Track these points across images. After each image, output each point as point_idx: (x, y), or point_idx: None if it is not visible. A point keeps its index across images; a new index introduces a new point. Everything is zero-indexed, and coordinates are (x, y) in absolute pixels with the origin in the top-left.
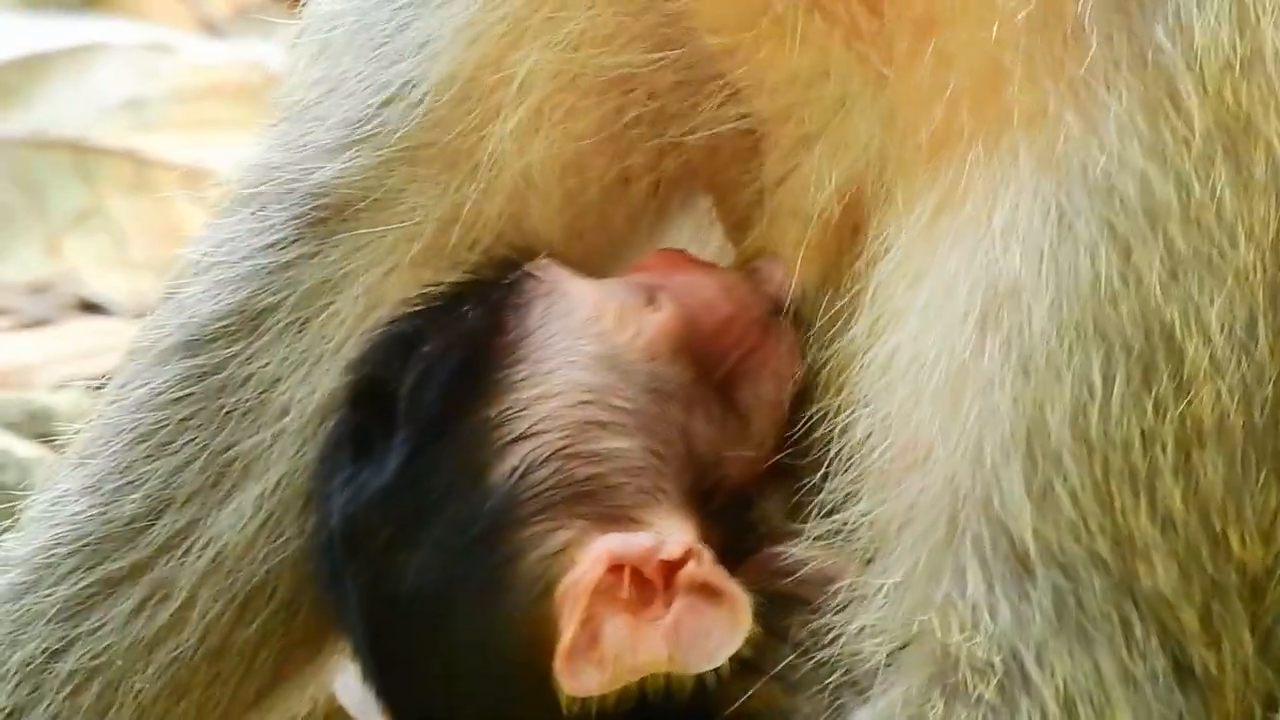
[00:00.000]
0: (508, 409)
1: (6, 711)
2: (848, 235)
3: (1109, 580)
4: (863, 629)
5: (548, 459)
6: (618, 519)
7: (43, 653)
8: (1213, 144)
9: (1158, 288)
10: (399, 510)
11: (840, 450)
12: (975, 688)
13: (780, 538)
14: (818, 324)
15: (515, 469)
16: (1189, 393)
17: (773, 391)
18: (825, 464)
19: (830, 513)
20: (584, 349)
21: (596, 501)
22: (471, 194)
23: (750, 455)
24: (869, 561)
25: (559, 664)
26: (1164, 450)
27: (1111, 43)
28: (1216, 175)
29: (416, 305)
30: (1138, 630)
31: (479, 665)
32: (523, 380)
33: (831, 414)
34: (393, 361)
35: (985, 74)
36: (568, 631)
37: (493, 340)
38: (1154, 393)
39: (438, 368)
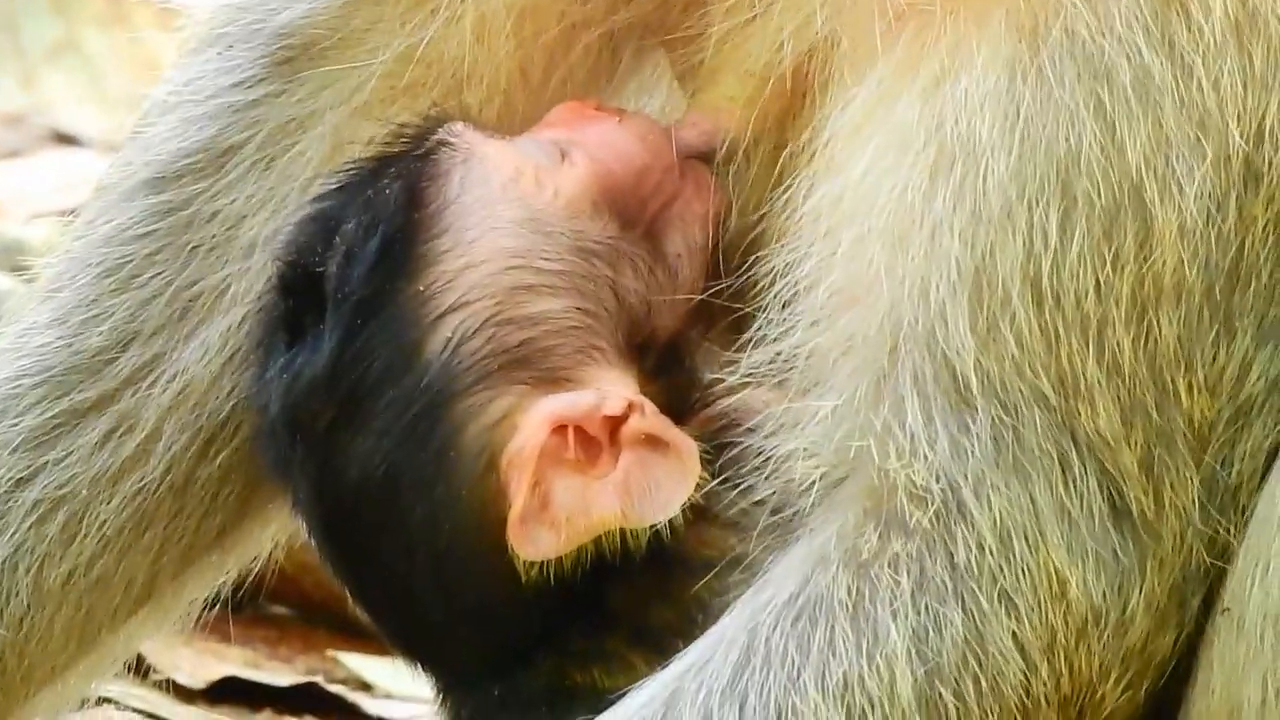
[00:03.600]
0: (434, 282)
1: None
2: (798, 90)
3: (1050, 418)
4: (798, 453)
5: (479, 328)
6: (556, 381)
7: (8, 481)
8: (1225, 35)
9: (1139, 159)
10: (337, 395)
11: (780, 291)
12: (912, 516)
13: (720, 385)
14: (758, 175)
15: (448, 341)
16: (1151, 254)
17: (697, 235)
18: (765, 308)
19: (768, 350)
20: (505, 214)
21: (533, 365)
22: (431, 33)
23: (681, 301)
24: (805, 392)
25: (512, 531)
26: (1117, 303)
27: None
28: (1222, 64)
29: (335, 183)
30: (1076, 468)
31: (433, 544)
32: (447, 252)
33: (771, 259)
34: (316, 244)
35: None
36: (518, 498)
37: (413, 214)
38: (1114, 249)
39: (361, 247)
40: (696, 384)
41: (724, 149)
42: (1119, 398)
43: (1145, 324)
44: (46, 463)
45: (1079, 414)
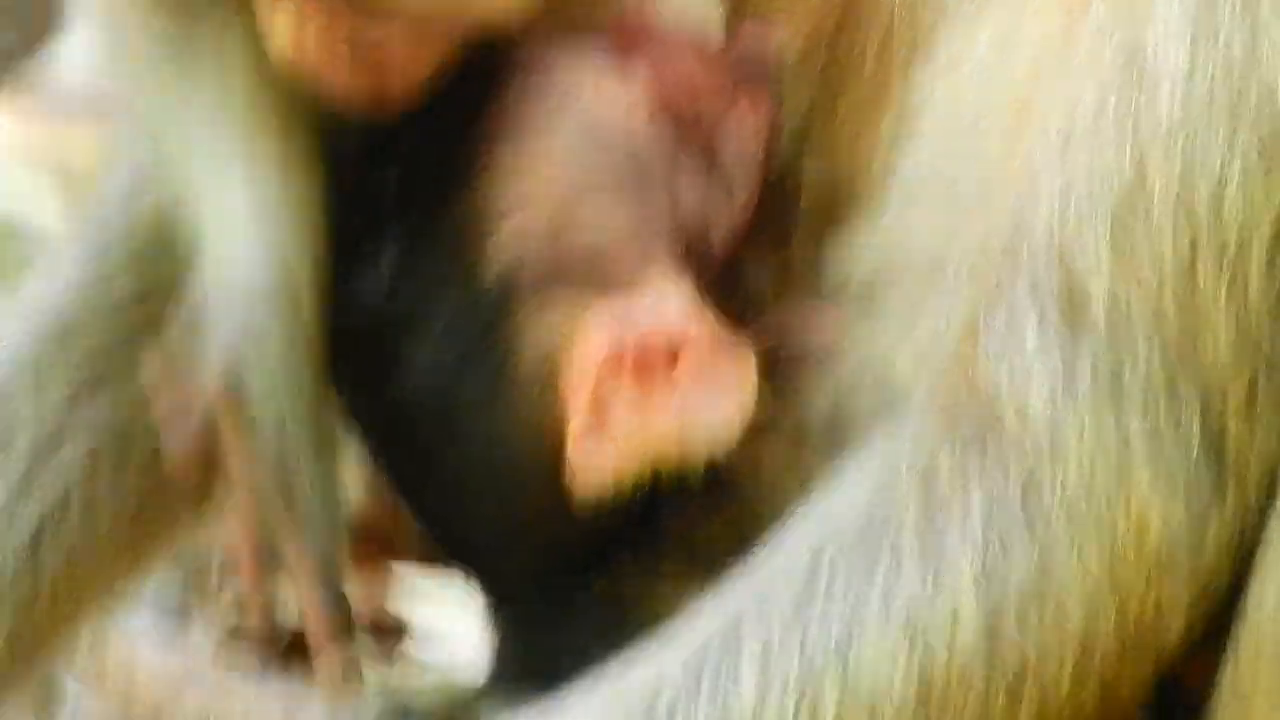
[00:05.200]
0: (494, 188)
1: None
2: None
3: (1166, 343)
4: (868, 363)
5: (538, 234)
6: (615, 291)
7: None
8: None
9: None
10: (396, 311)
11: (859, 194)
12: (1002, 437)
13: (779, 299)
14: (813, 88)
15: (507, 248)
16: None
17: (752, 147)
18: (831, 217)
19: (838, 257)
20: (564, 123)
21: (591, 273)
22: None
23: (738, 212)
24: (884, 299)
25: (570, 446)
26: (1259, 231)
27: None
28: None
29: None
30: (1182, 396)
31: (492, 457)
32: (506, 160)
33: (844, 180)
34: (374, 162)
35: None
36: (578, 411)
37: (472, 124)
38: (1269, 179)
39: (419, 161)
40: (755, 297)
41: (777, 61)
42: (1239, 325)
43: (1276, 254)
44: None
45: (1197, 341)
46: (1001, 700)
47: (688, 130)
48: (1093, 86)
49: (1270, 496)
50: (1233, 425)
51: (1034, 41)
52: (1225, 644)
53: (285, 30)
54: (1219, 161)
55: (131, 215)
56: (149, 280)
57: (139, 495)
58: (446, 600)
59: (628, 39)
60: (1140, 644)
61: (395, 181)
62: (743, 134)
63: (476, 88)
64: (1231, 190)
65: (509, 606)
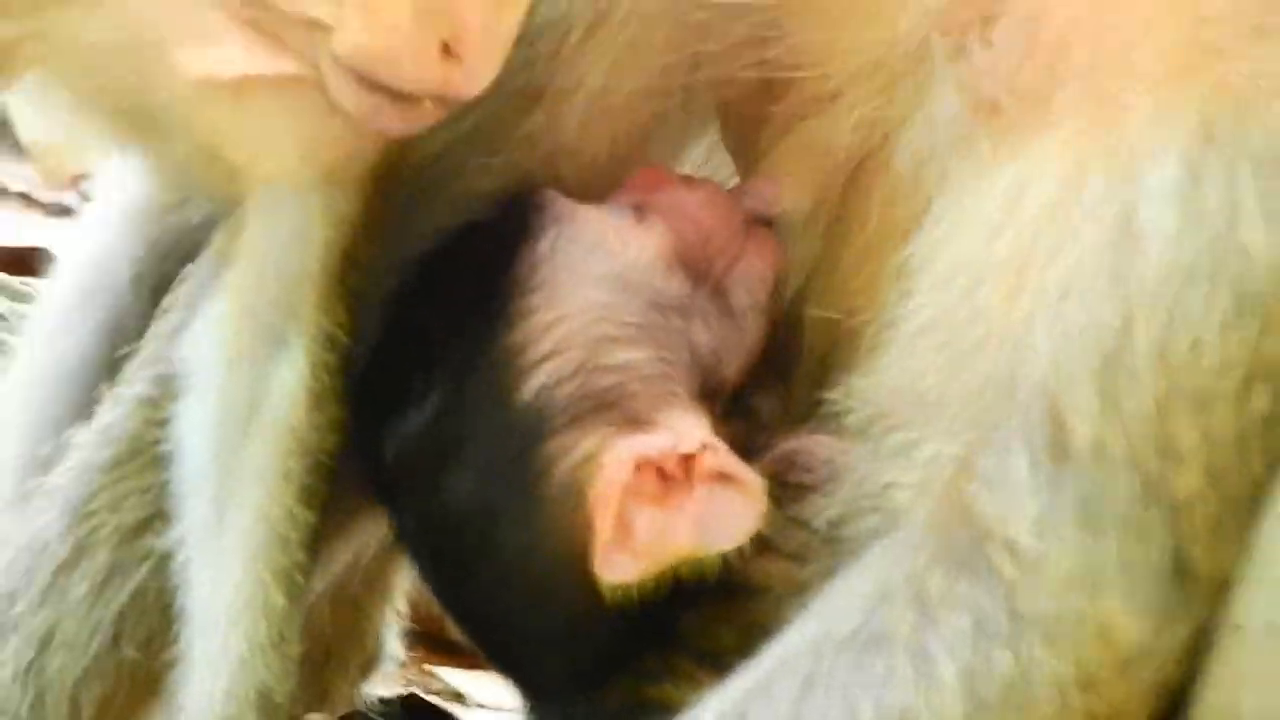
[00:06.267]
0: (530, 333)
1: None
2: (865, 166)
3: (1141, 481)
4: (867, 490)
5: (570, 375)
6: (637, 422)
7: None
8: None
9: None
10: (442, 441)
11: (861, 339)
12: (989, 561)
13: (784, 429)
14: (819, 241)
15: (542, 387)
16: (1267, 337)
17: (760, 292)
18: (834, 359)
19: (839, 394)
20: (592, 271)
21: (616, 409)
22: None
23: (748, 352)
24: (882, 435)
25: (598, 558)
26: (1231, 379)
27: None
28: None
29: (436, 249)
30: (1153, 528)
31: (526, 570)
32: (540, 306)
33: (846, 322)
34: (422, 308)
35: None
36: (603, 530)
37: (510, 273)
38: (1242, 331)
39: (464, 307)
40: (763, 427)
41: (784, 214)
42: (1208, 462)
43: (1246, 398)
44: None
45: (1170, 478)
46: None
47: (702, 278)
48: (1089, 248)
49: (1219, 605)
50: (1197, 550)
51: (1035, 209)
52: None
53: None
54: (1198, 317)
55: None
56: None
57: None
58: (487, 700)
59: (650, 186)
60: None
61: (440, 323)
62: (751, 282)
63: (515, 237)
64: (1208, 343)
65: (545, 704)
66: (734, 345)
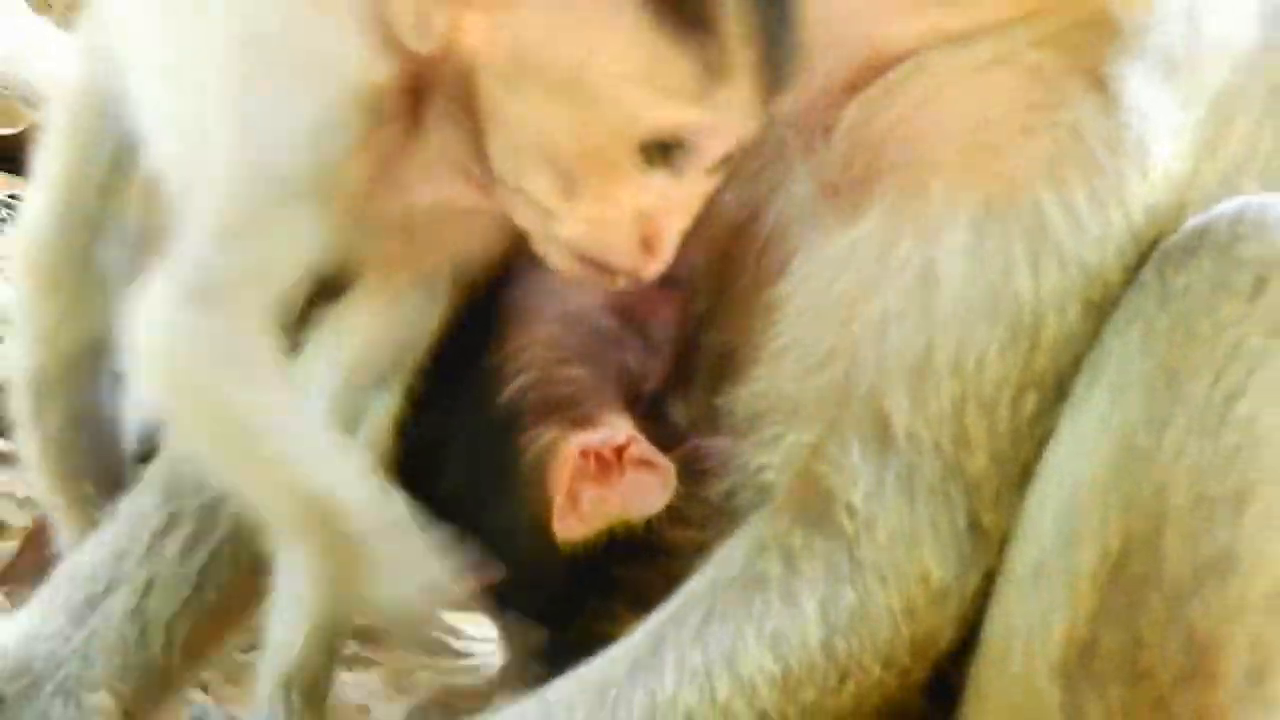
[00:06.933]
0: (506, 356)
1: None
2: (745, 231)
3: (944, 463)
4: (752, 472)
5: (534, 386)
6: (583, 421)
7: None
8: (1098, 228)
9: (1045, 295)
10: (448, 434)
11: (745, 361)
12: (836, 523)
13: (689, 428)
14: (716, 287)
15: (515, 395)
16: (1034, 358)
17: (669, 328)
18: (727, 374)
19: (730, 401)
20: (551, 315)
21: (568, 411)
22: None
23: (662, 371)
24: (761, 430)
25: (555, 521)
26: (1008, 387)
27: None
28: (1105, 251)
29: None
30: (954, 498)
31: (506, 529)
32: (513, 336)
33: (730, 348)
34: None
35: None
36: (559, 499)
37: (486, 310)
38: (1015, 352)
39: (461, 337)
40: (673, 426)
41: (688, 271)
42: (992, 451)
43: (1020, 402)
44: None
45: (964, 462)
46: (834, 685)
47: (628, 319)
48: (902, 290)
49: (999, 558)
50: (986, 516)
51: (864, 261)
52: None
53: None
54: (982, 342)
55: None
56: None
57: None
58: (476, 635)
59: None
60: (923, 653)
61: (446, 351)
62: (664, 320)
63: (498, 288)
64: (990, 361)
65: (519, 634)
66: (652, 366)
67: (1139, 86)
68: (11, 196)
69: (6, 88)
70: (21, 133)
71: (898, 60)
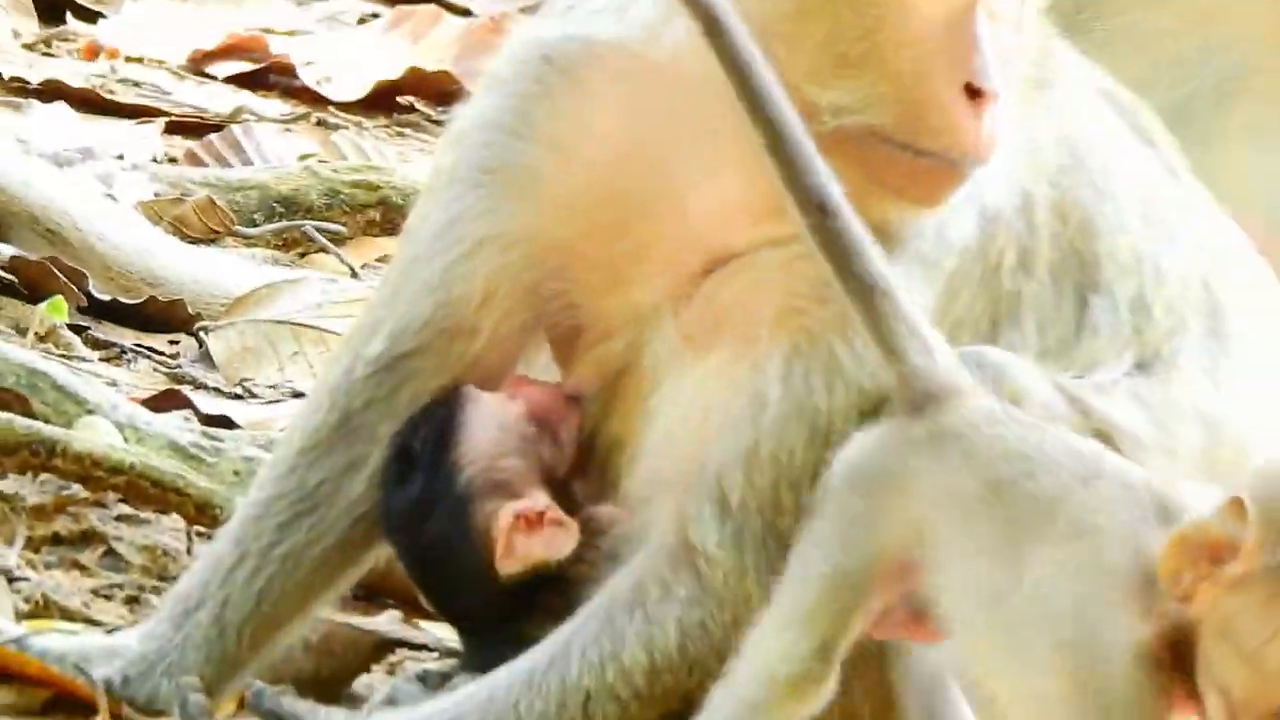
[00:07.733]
0: (461, 453)
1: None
2: (627, 367)
3: (764, 523)
4: (634, 530)
5: (481, 471)
6: (516, 494)
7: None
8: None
9: (827, 412)
10: (420, 506)
11: (627, 456)
12: (696, 565)
13: (588, 501)
14: (605, 405)
15: (468, 479)
16: (826, 447)
17: (574, 432)
18: (619, 465)
19: (619, 483)
20: (490, 423)
21: (505, 488)
22: (477, 349)
23: (567, 460)
24: (638, 501)
25: (498, 562)
26: (808, 471)
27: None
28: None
29: (419, 411)
30: (771, 548)
31: (464, 568)
32: (464, 440)
33: (618, 444)
34: (411, 437)
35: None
36: (500, 547)
37: (450, 424)
38: (796, 447)
39: (430, 439)
40: (577, 498)
41: (585, 393)
42: (797, 515)
43: (813, 478)
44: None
45: (778, 523)
46: (684, 674)
47: (544, 425)
48: (738, 407)
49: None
50: (788, 548)
51: (711, 387)
52: None
53: None
54: (793, 440)
55: None
56: None
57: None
58: (442, 638)
59: (518, 384)
60: (725, 652)
61: (420, 447)
62: (569, 426)
63: (452, 406)
64: (798, 452)
65: (472, 640)
66: (561, 458)
67: (901, 271)
68: None
69: None
70: None
71: (739, 253)
